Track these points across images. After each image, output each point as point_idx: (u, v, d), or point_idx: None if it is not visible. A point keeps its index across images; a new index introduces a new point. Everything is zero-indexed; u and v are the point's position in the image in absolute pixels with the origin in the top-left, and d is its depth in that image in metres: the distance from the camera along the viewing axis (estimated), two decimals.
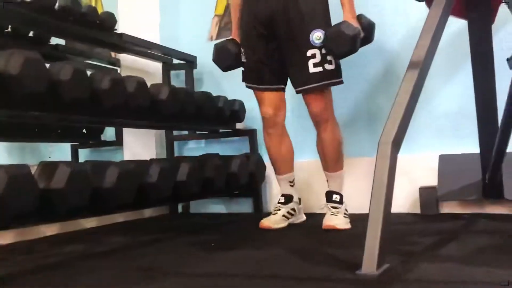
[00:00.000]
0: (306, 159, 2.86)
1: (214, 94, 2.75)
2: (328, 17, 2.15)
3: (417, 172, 2.53)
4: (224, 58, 2.27)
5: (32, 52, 1.55)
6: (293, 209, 2.31)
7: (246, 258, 1.65)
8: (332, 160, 2.25)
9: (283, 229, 2.22)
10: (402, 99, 1.41)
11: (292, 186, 2.33)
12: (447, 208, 2.47)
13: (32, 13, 2.04)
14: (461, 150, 2.43)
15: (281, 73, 2.20)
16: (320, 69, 2.06)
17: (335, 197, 2.25)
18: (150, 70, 3.17)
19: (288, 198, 2.29)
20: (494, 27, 1.90)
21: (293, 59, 2.11)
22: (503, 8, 1.78)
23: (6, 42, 2.41)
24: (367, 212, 1.34)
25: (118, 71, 3.22)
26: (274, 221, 2.21)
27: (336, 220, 2.13)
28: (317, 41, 2.06)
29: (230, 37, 2.34)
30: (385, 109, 2.55)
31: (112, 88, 1.85)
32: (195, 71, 3.14)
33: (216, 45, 2.32)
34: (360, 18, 2.14)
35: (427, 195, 2.43)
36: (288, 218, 2.27)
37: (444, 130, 2.57)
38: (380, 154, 1.36)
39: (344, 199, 2.28)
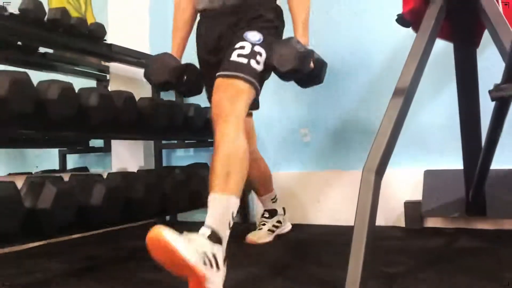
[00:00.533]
0: (292, 171, 2.90)
1: (203, 103, 2.75)
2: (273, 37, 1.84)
3: (402, 186, 2.57)
4: (160, 72, 1.87)
5: (20, 72, 1.55)
6: (279, 221, 2.33)
7: (226, 278, 1.66)
8: (220, 173, 1.52)
9: (268, 243, 2.24)
10: (386, 127, 1.43)
11: (274, 202, 2.34)
12: (432, 222, 2.51)
13: (22, 26, 2.03)
14: (447, 165, 2.47)
15: None
16: (244, 60, 1.68)
17: (201, 246, 1.36)
18: (139, 78, 3.16)
19: (272, 213, 2.30)
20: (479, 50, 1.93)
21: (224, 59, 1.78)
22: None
23: None
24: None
25: (108, 78, 3.24)
26: (259, 236, 2.23)
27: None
28: (251, 38, 1.74)
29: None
30: (374, 122, 2.59)
31: (100, 104, 1.86)
32: None
33: (151, 58, 1.98)
34: (312, 52, 1.84)
35: (411, 209, 2.47)
36: (273, 232, 2.29)
37: (430, 145, 2.60)
38: (364, 182, 1.38)
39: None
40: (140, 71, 3.09)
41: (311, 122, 2.90)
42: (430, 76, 2.42)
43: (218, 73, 1.70)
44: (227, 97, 1.63)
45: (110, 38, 3.08)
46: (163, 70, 1.87)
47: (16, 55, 2.51)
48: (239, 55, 1.70)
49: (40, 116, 1.63)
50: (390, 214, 2.59)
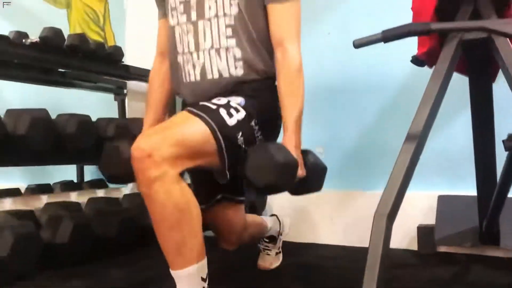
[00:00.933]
0: None
1: None
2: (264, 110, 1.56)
3: (417, 209, 2.57)
4: (113, 165, 1.58)
5: (39, 110, 1.59)
6: (280, 240, 2.30)
7: None
8: (170, 249, 1.33)
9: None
10: (399, 172, 1.43)
11: (270, 229, 2.28)
12: (445, 247, 2.50)
13: (42, 54, 2.08)
14: (462, 189, 2.46)
15: (213, 188, 1.70)
16: (213, 106, 1.43)
17: None
18: None
19: (272, 238, 2.28)
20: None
21: None
22: None
23: (16, 73, 2.45)
24: (367, 246, 1.34)
25: (125, 92, 3.29)
26: (270, 262, 2.25)
27: None
28: (232, 99, 1.50)
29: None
30: (389, 143, 2.60)
31: (117, 134, 1.90)
32: None
33: (106, 146, 1.63)
34: (306, 154, 1.58)
35: (425, 234, 2.47)
36: (280, 251, 2.30)
37: (445, 169, 2.59)
38: (375, 227, 1.39)
39: None
40: None
41: (326, 141, 2.90)
42: (446, 100, 2.41)
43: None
44: (158, 138, 1.29)
45: (127, 53, 3.14)
46: (115, 163, 1.57)
47: (37, 74, 2.56)
48: (210, 102, 1.46)
49: (59, 151, 1.68)
50: (404, 236, 2.59)
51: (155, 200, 1.26)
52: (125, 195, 2.22)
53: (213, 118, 1.38)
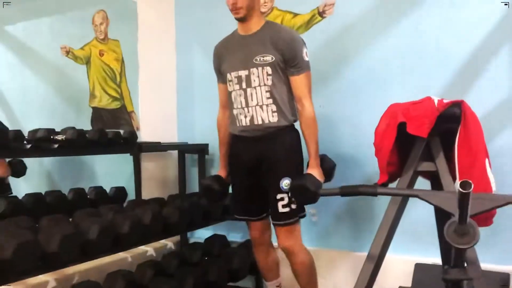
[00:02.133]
0: (309, 247, 3.22)
1: None
2: (299, 166, 2.41)
3: (396, 272, 2.84)
4: (211, 197, 2.54)
5: (68, 225, 1.94)
6: None
7: None
8: (306, 283, 2.46)
9: None
10: None
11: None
12: None
13: (67, 151, 2.42)
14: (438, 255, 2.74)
15: (264, 204, 2.47)
16: (287, 209, 2.33)
17: None
18: (168, 153, 3.58)
19: None
20: None
21: (269, 198, 2.39)
22: None
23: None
24: None
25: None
26: None
27: None
28: (285, 187, 2.30)
29: (216, 174, 2.59)
30: (375, 209, 2.90)
31: (132, 230, 2.24)
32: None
33: (202, 183, 2.58)
34: (323, 161, 2.43)
35: None
36: None
37: (423, 236, 2.85)
38: None
39: None
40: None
41: (318, 205, 3.17)
42: None
43: (274, 222, 2.41)
44: (289, 241, 2.39)
45: (141, 114, 3.51)
46: (213, 195, 2.52)
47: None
48: (283, 206, 2.34)
49: (81, 253, 2.01)
50: None
51: (301, 262, 2.42)
52: (138, 265, 2.56)
53: (293, 216, 2.36)
